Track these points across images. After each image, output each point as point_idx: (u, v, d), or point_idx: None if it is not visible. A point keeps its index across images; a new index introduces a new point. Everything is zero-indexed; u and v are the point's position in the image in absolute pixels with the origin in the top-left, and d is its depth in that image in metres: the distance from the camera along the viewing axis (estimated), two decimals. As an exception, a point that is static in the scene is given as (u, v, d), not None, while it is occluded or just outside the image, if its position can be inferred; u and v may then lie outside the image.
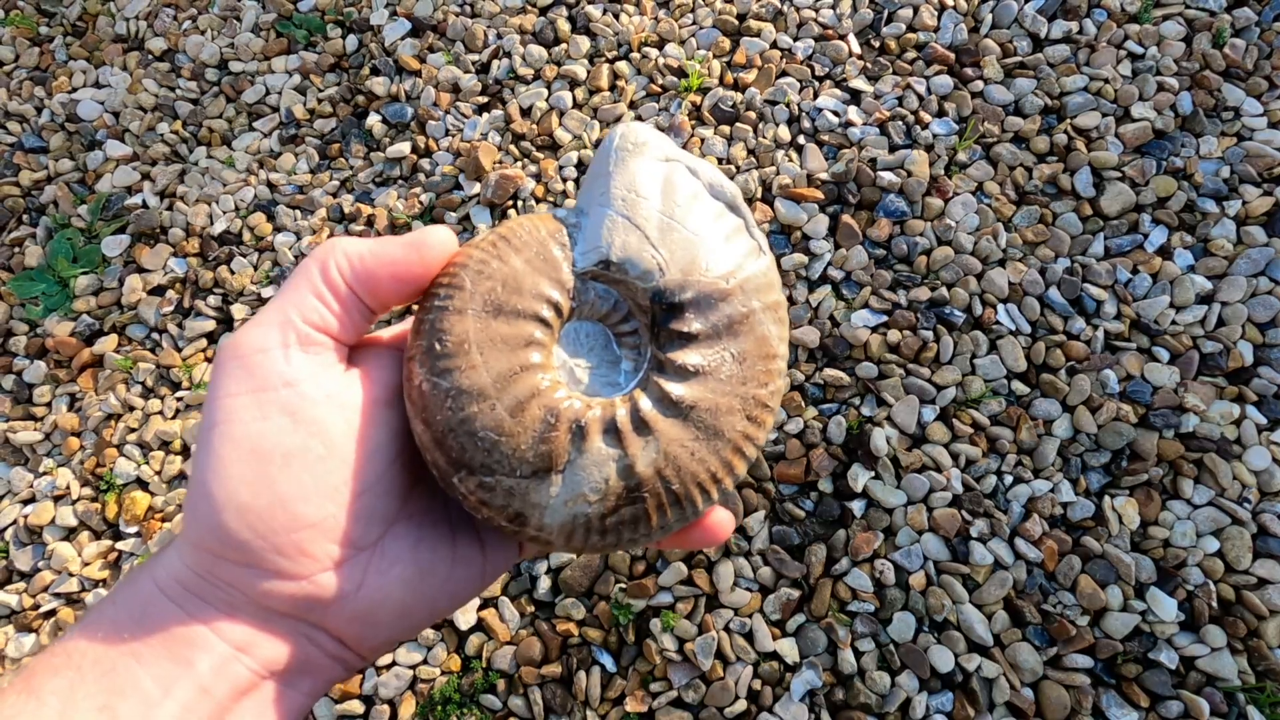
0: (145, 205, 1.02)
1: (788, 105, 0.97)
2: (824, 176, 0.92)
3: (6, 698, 0.19)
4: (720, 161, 0.95)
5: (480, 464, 0.22)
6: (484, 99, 1.03)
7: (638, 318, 0.25)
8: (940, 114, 0.95)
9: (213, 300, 0.95)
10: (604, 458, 0.23)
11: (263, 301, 0.95)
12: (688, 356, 0.24)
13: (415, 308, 0.24)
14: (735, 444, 0.24)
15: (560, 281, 0.24)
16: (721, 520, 0.26)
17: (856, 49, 1.00)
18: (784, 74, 1.00)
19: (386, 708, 0.76)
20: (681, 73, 1.01)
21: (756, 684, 0.73)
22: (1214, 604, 0.72)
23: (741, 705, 0.72)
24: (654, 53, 1.02)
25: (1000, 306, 0.84)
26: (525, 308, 0.23)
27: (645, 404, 0.23)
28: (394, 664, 0.77)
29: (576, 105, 1.01)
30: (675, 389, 0.23)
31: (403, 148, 1.00)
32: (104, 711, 0.19)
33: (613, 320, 0.25)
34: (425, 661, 0.77)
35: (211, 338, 0.94)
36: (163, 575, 0.22)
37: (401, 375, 0.24)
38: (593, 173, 0.25)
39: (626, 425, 0.23)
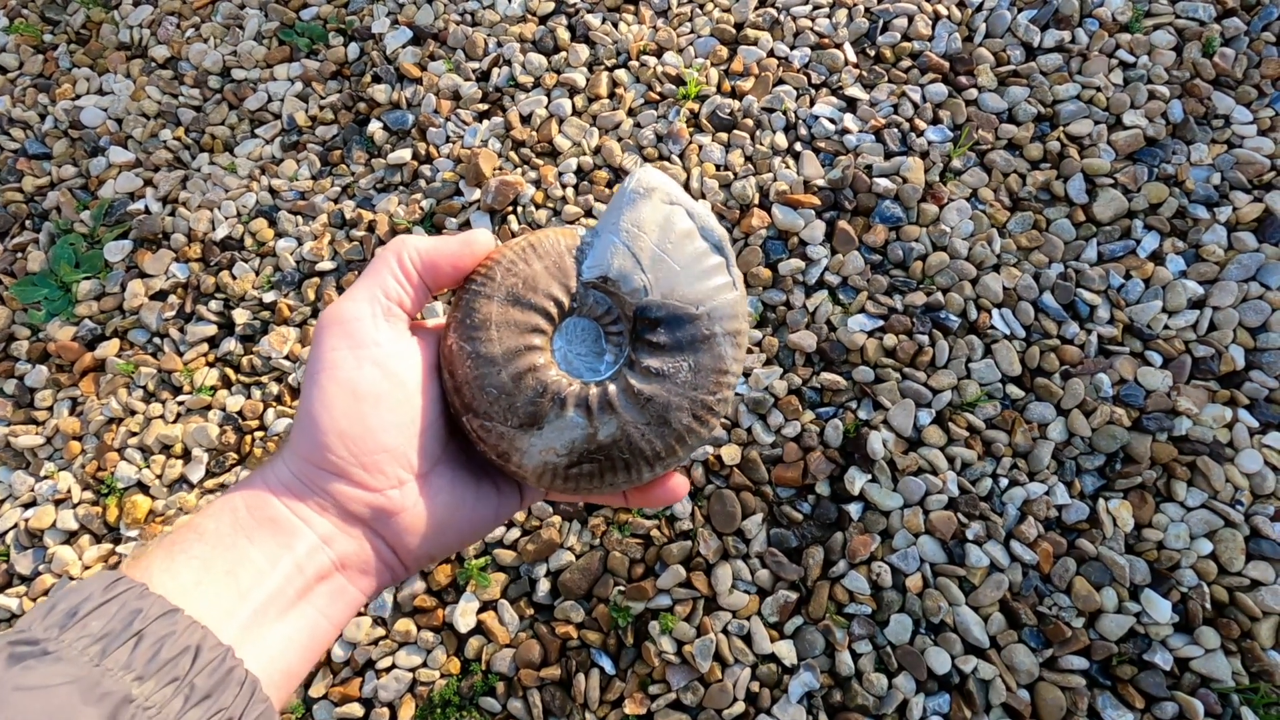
0: (148, 211, 1.02)
1: (785, 113, 0.98)
2: (820, 183, 0.93)
3: (155, 560, 0.25)
4: (718, 168, 0.96)
5: (484, 411, 0.30)
6: (484, 106, 1.04)
7: (623, 323, 0.31)
8: (935, 121, 0.96)
9: (214, 305, 0.95)
10: (574, 425, 0.30)
11: (265, 306, 0.95)
12: (653, 361, 0.30)
13: (457, 290, 0.32)
14: (679, 434, 0.30)
15: (568, 287, 0.31)
16: (678, 483, 0.33)
17: (852, 57, 1.02)
18: (781, 82, 1.01)
19: (386, 710, 0.76)
20: (680, 81, 1.02)
21: (755, 686, 0.74)
22: (1208, 606, 0.72)
23: (740, 707, 0.73)
24: (652, 61, 1.03)
25: (995, 311, 0.85)
26: (537, 302, 0.30)
27: (613, 390, 0.30)
28: (394, 667, 0.77)
29: (576, 113, 1.02)
30: (638, 384, 0.30)
31: (404, 154, 1.01)
32: (229, 575, 0.25)
33: (605, 321, 0.31)
34: (425, 664, 0.77)
35: (213, 342, 0.95)
36: (272, 479, 0.28)
37: (439, 344, 0.31)
38: (612, 204, 0.32)
39: (595, 404, 0.30)
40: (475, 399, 0.30)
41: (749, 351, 0.86)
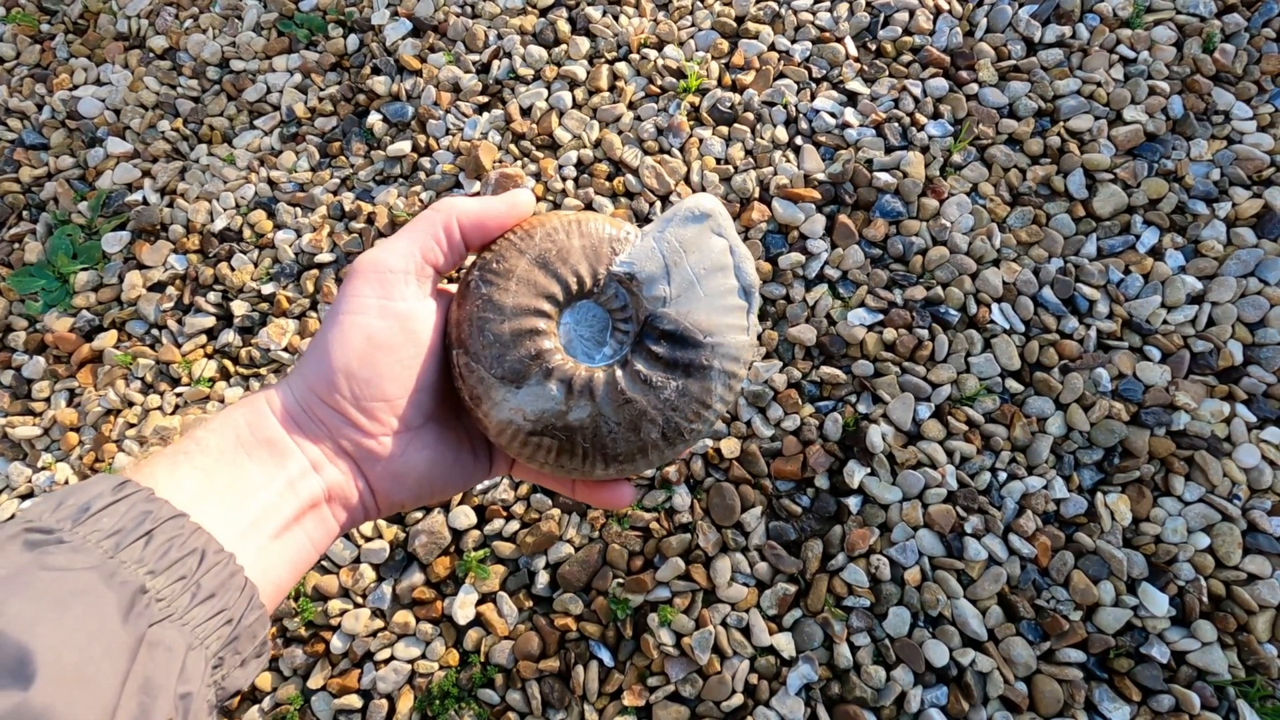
0: (145, 202, 1.02)
1: (785, 107, 0.98)
2: (821, 177, 0.93)
3: (160, 467, 0.26)
4: (718, 162, 0.96)
5: (475, 351, 0.30)
6: (484, 99, 1.04)
7: (633, 324, 0.32)
8: (936, 116, 0.96)
9: (213, 297, 0.95)
10: (550, 397, 0.30)
11: (263, 298, 0.95)
12: (646, 369, 0.30)
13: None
14: (643, 444, 0.31)
15: (595, 271, 0.31)
16: (624, 492, 0.34)
17: (853, 52, 1.01)
18: (782, 76, 1.01)
19: (385, 702, 0.76)
20: (680, 74, 1.02)
21: (753, 678, 0.74)
22: (1204, 599, 0.73)
23: (738, 699, 0.73)
24: (653, 54, 1.03)
25: (995, 306, 0.85)
26: (562, 274, 0.31)
27: (599, 380, 0.30)
28: (392, 659, 0.77)
29: (576, 105, 1.02)
30: (625, 384, 0.30)
31: (403, 146, 1.01)
32: (230, 489, 0.27)
33: (617, 315, 0.32)
34: (424, 656, 0.78)
35: (211, 334, 0.94)
36: (275, 400, 0.29)
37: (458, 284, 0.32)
38: (664, 216, 0.33)
39: (578, 386, 0.30)
40: (471, 338, 0.30)
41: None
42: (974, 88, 0.97)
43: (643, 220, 0.93)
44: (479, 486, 0.83)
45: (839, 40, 1.02)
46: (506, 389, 0.30)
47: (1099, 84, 0.95)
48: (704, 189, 0.94)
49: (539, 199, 0.96)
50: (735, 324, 0.31)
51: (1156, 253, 0.87)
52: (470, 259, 0.33)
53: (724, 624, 0.76)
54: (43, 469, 0.89)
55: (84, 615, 0.20)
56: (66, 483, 0.87)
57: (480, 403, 0.31)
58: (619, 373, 0.31)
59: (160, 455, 0.27)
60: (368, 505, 0.31)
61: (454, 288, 0.34)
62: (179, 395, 0.91)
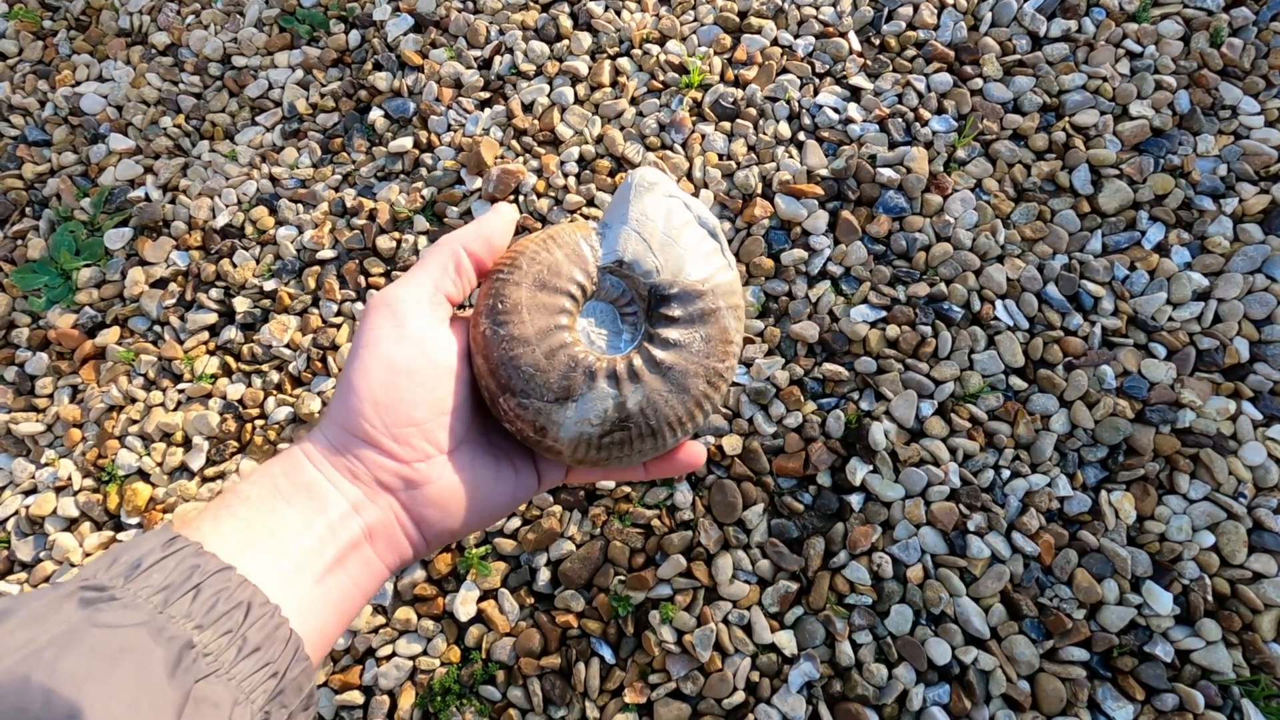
0: (148, 198, 1.02)
1: (788, 102, 0.97)
2: (824, 173, 0.93)
3: (205, 522, 0.26)
4: (720, 157, 0.96)
5: (520, 389, 0.31)
6: (486, 94, 1.03)
7: (638, 303, 0.33)
8: (940, 111, 0.96)
9: (215, 293, 0.95)
10: (605, 395, 0.31)
11: (265, 294, 0.95)
12: (670, 333, 0.32)
13: (490, 271, 0.33)
14: (696, 399, 0.33)
15: (587, 272, 0.33)
16: (695, 450, 0.35)
17: (857, 46, 1.01)
18: (785, 71, 1.00)
19: (386, 698, 0.76)
20: (683, 69, 1.01)
21: (755, 676, 0.74)
22: (1209, 598, 0.72)
23: (740, 697, 0.73)
24: (655, 49, 1.03)
25: (998, 302, 0.85)
26: (561, 286, 0.32)
27: (638, 362, 0.32)
28: (394, 655, 0.77)
29: (578, 101, 1.02)
30: (659, 354, 0.32)
31: (405, 142, 1.00)
32: (270, 536, 0.27)
33: (620, 303, 0.34)
34: (425, 652, 0.78)
35: (213, 330, 0.95)
36: (309, 446, 0.30)
37: (468, 333, 0.33)
38: (617, 199, 0.34)
39: (624, 374, 0.32)
40: (511, 378, 0.31)
41: (749, 341, 0.86)
42: (978, 83, 0.96)
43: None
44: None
45: (842, 35, 1.01)
46: (563, 408, 0.31)
47: (1105, 79, 0.94)
48: (706, 185, 0.94)
49: (540, 195, 0.96)
50: (719, 264, 0.34)
51: (1162, 249, 0.86)
52: (468, 313, 0.34)
53: (725, 621, 0.76)
54: (46, 465, 0.89)
55: (132, 671, 0.21)
56: (70, 479, 0.87)
57: (545, 433, 0.32)
58: (650, 347, 0.32)
59: (205, 511, 0.27)
60: (414, 540, 0.31)
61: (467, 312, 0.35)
62: (181, 391, 0.91)
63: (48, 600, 0.22)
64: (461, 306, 0.35)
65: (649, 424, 0.32)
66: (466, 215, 0.96)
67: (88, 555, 0.84)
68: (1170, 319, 0.83)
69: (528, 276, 0.32)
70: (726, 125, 0.97)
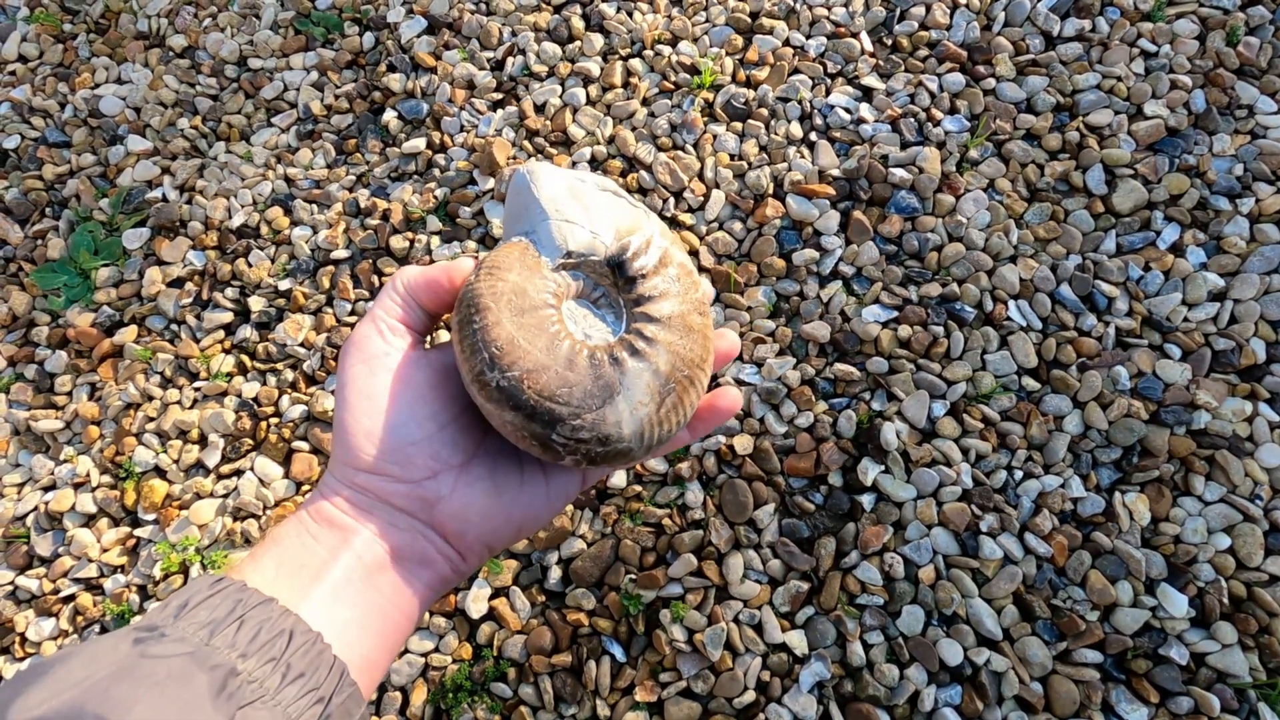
0: (165, 199, 1.03)
1: (800, 102, 0.97)
2: (836, 173, 0.93)
3: (245, 566, 0.28)
4: (732, 158, 0.96)
5: (568, 414, 0.30)
6: (498, 95, 1.04)
7: (602, 285, 0.33)
8: (952, 111, 0.96)
9: (230, 292, 0.96)
10: (640, 370, 0.31)
11: (280, 294, 0.96)
12: (646, 288, 0.32)
13: (456, 334, 0.32)
14: (701, 334, 0.33)
15: (547, 278, 0.32)
16: (731, 393, 0.35)
17: (869, 46, 1.01)
18: (796, 71, 1.00)
19: (399, 695, 0.76)
20: (694, 70, 1.02)
21: (765, 675, 0.74)
22: (1225, 600, 0.72)
23: (750, 696, 0.73)
24: (667, 50, 1.03)
25: (1011, 302, 0.85)
26: (538, 300, 0.31)
27: (643, 329, 0.32)
28: (406, 651, 0.78)
29: (590, 102, 1.02)
30: (655, 310, 0.32)
31: (418, 143, 1.01)
32: (301, 569, 0.28)
33: (587, 293, 0.33)
34: (437, 649, 0.78)
35: (229, 329, 0.96)
36: (326, 490, 0.31)
37: (460, 365, 0.32)
38: (520, 203, 0.34)
39: (642, 344, 0.31)
40: (553, 410, 0.30)
41: (759, 341, 0.86)
42: (991, 83, 0.96)
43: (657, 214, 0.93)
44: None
45: (854, 35, 1.01)
46: (613, 404, 0.30)
47: (1119, 78, 0.94)
48: (718, 185, 0.94)
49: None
50: (641, 213, 0.34)
51: (1177, 249, 0.86)
52: (463, 377, 0.32)
53: (736, 620, 0.76)
54: (64, 461, 0.90)
55: (177, 695, 0.22)
56: (88, 476, 0.88)
57: (609, 438, 0.30)
58: (640, 310, 0.32)
59: (246, 557, 0.29)
60: (449, 556, 0.31)
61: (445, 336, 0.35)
62: (197, 389, 0.92)
63: (106, 643, 0.23)
64: (435, 321, 0.35)
65: (684, 374, 0.32)
66: (479, 215, 0.97)
67: (105, 550, 0.85)
68: (1185, 320, 0.83)
69: (502, 312, 0.30)
70: (738, 125, 0.98)
